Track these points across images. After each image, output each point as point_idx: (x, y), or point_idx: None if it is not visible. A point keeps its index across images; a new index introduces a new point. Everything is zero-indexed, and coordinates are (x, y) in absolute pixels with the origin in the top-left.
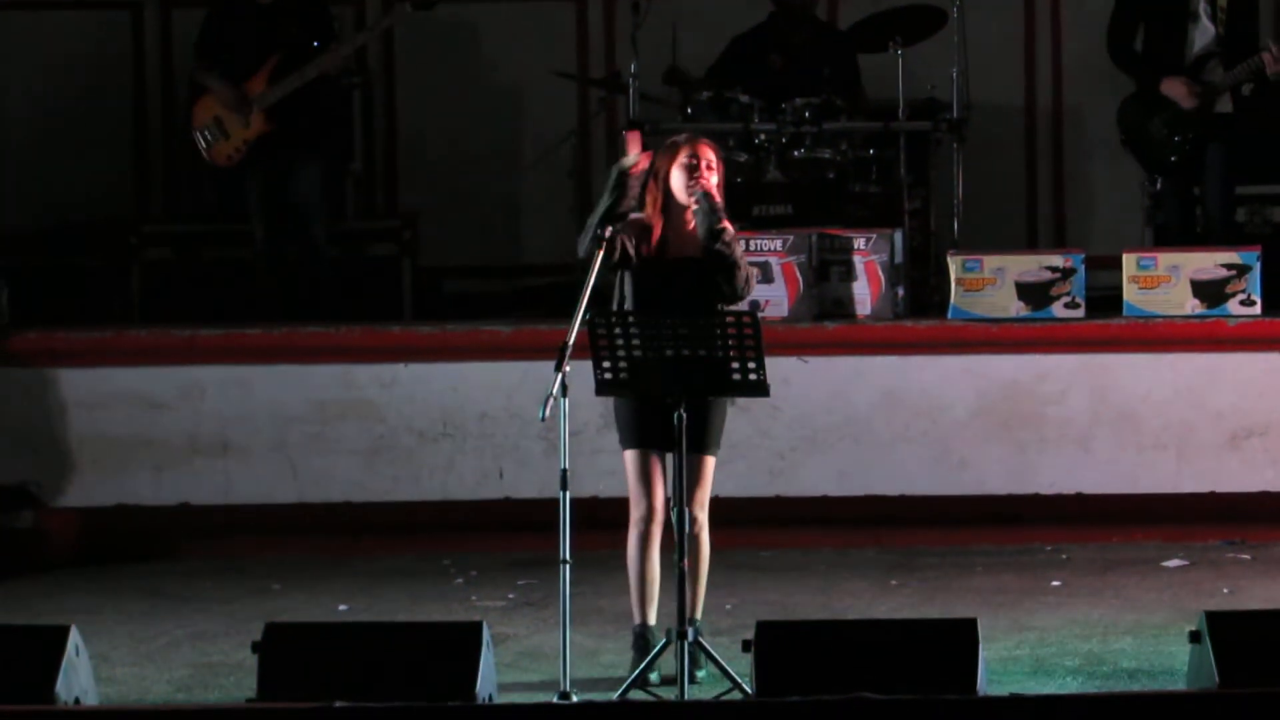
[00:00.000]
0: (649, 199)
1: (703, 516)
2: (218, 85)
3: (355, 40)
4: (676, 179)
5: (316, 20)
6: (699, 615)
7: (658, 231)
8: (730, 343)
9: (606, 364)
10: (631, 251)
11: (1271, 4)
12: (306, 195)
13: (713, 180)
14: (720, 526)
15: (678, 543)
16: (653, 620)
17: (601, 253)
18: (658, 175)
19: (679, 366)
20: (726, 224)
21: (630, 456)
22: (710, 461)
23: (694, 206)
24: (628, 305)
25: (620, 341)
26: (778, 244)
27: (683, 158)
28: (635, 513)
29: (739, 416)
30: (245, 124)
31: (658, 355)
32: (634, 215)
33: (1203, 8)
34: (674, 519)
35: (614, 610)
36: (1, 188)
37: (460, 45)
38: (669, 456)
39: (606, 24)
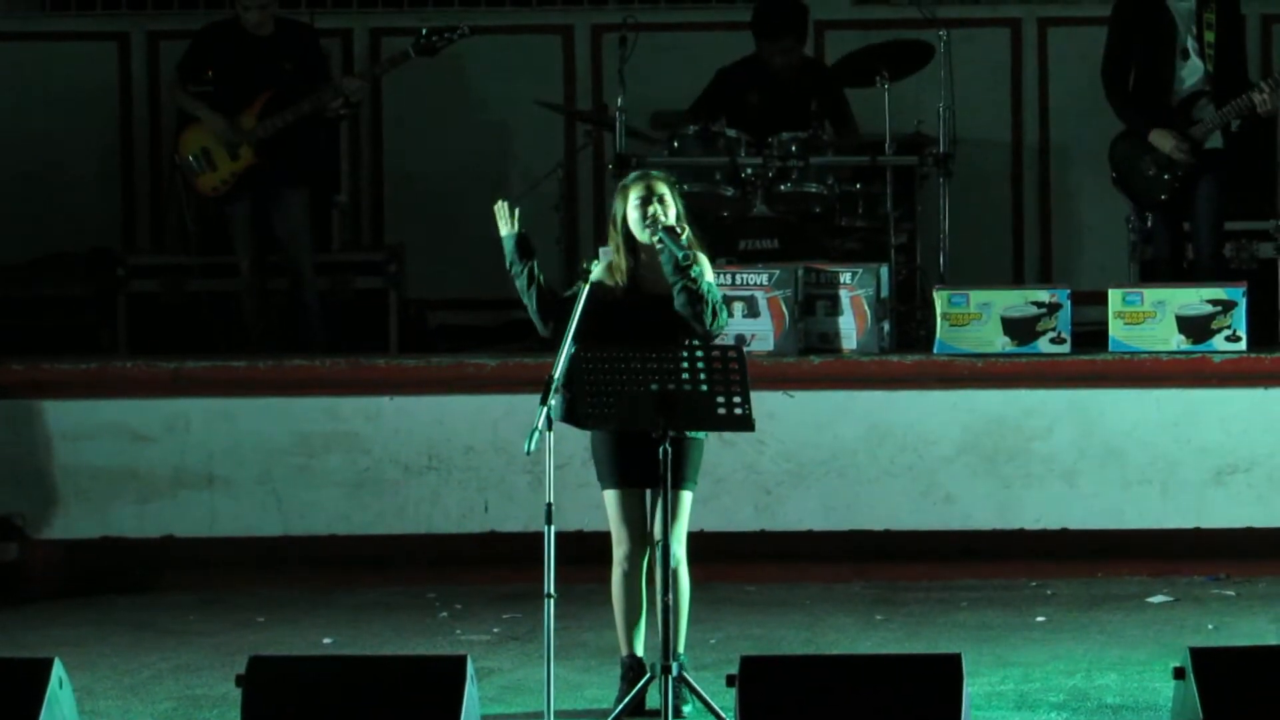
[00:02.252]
0: (613, 243)
1: (681, 551)
2: (208, 116)
3: (350, 82)
4: (633, 218)
5: (311, 57)
6: (681, 649)
7: (627, 271)
8: (715, 377)
9: (590, 400)
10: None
11: (1258, 42)
12: (293, 228)
13: (670, 214)
14: (706, 561)
15: (661, 578)
16: (640, 651)
17: (586, 287)
18: (616, 220)
19: (664, 401)
20: (691, 255)
21: (611, 496)
22: (688, 496)
23: (656, 244)
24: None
25: (605, 376)
26: (763, 278)
27: (633, 197)
28: (618, 551)
29: (724, 450)
30: (234, 157)
31: (643, 389)
32: (607, 258)
33: (1192, 46)
34: (658, 554)
35: (598, 644)
36: None
37: (447, 77)
38: (649, 492)
39: (594, 57)
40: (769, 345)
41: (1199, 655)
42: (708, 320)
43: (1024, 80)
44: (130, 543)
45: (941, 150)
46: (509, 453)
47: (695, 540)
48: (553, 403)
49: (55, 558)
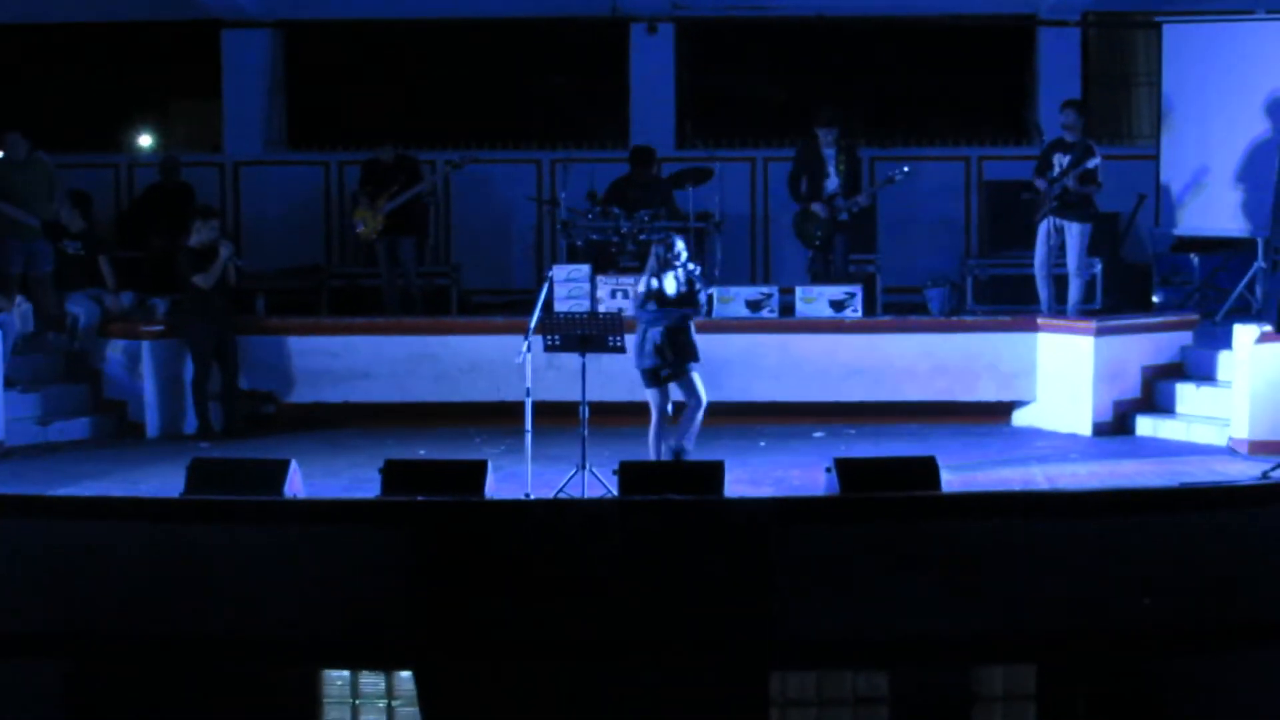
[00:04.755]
0: (657, 262)
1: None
2: (364, 201)
3: (425, 185)
4: (665, 255)
5: (411, 171)
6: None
7: (659, 278)
8: (609, 327)
9: (548, 337)
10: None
11: (869, 169)
12: (406, 256)
13: (683, 254)
14: (606, 414)
15: (582, 417)
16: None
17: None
18: (657, 255)
19: (583, 339)
20: (695, 287)
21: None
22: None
23: (679, 271)
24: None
25: (556, 326)
26: (632, 280)
27: (665, 246)
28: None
29: (615, 360)
30: (376, 220)
31: (573, 333)
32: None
33: (832, 170)
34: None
35: (551, 455)
36: (265, 252)
37: (482, 183)
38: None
39: (551, 174)
40: (633, 313)
41: (839, 461)
42: (701, 310)
43: (757, 187)
44: (329, 405)
45: (718, 219)
46: (509, 362)
47: (600, 405)
48: (530, 340)
49: (294, 412)
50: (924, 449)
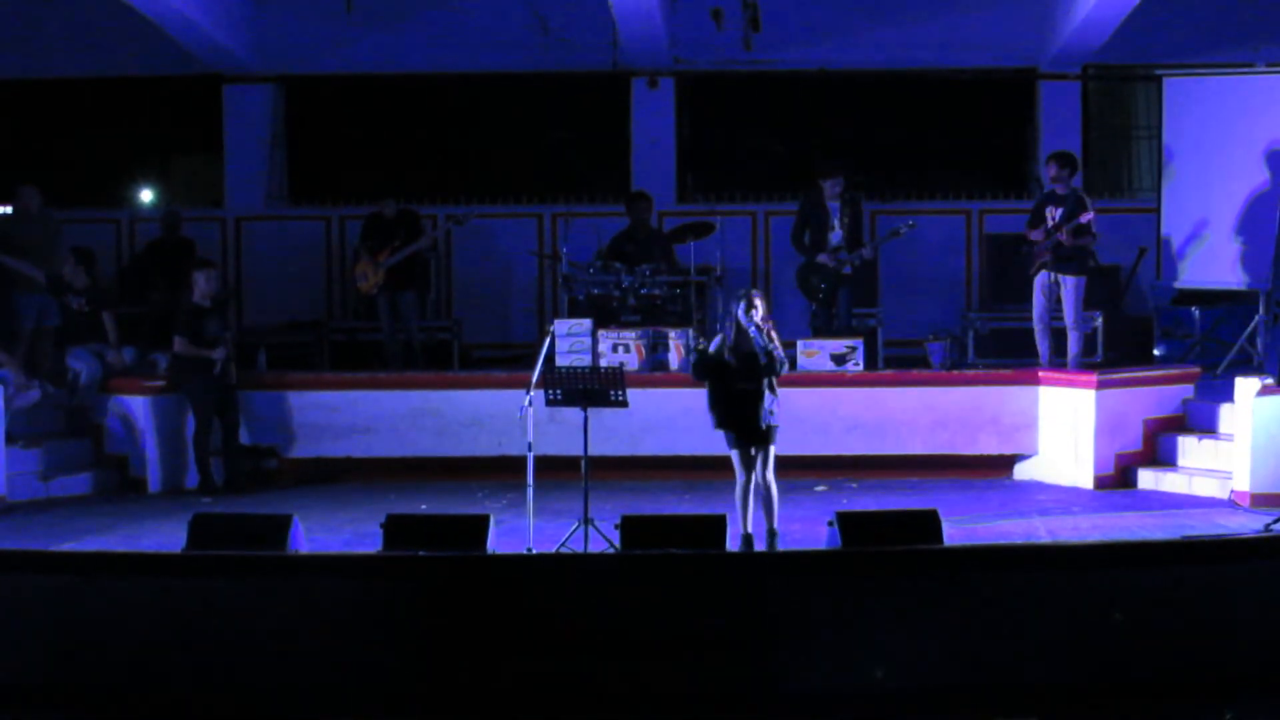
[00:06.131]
0: (730, 320)
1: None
2: (365, 256)
3: (426, 240)
4: (741, 311)
5: (413, 225)
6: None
7: (736, 336)
8: (611, 382)
9: (550, 392)
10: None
11: (869, 222)
12: (407, 310)
13: (759, 312)
14: (608, 468)
15: (584, 471)
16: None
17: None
18: (733, 311)
19: (584, 393)
20: (771, 344)
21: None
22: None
23: (750, 329)
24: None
25: (558, 380)
26: (633, 334)
27: (743, 302)
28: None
29: (617, 414)
30: (377, 275)
31: (575, 388)
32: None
33: (836, 223)
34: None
35: (553, 509)
36: (265, 304)
37: (483, 237)
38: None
39: (553, 228)
40: (635, 367)
41: (840, 515)
42: (777, 370)
43: (758, 241)
44: (330, 460)
45: (719, 273)
46: (511, 416)
47: (602, 459)
48: (532, 394)
49: (295, 467)
50: (926, 502)
